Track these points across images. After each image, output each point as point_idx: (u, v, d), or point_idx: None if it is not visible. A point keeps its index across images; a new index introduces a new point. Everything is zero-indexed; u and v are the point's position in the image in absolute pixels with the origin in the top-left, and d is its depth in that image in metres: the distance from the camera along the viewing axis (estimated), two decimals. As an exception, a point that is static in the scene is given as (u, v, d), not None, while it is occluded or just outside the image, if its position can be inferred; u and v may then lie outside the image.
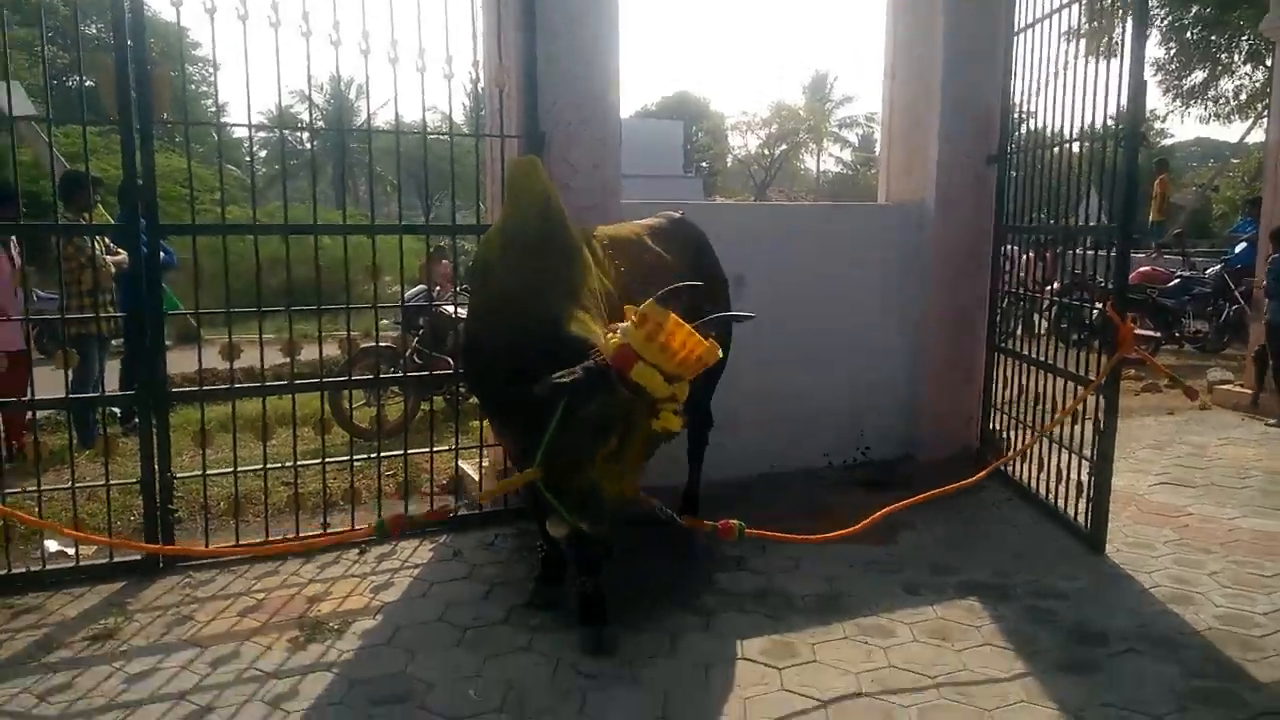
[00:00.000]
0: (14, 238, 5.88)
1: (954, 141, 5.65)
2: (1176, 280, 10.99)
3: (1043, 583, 3.98)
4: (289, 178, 6.56)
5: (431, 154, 4.75)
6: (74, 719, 2.89)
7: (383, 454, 4.68)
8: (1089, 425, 4.39)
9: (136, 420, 6.81)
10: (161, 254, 6.75)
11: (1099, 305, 5.37)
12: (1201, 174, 30.17)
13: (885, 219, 5.92)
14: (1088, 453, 4.41)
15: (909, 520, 4.69)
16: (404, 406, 6.91)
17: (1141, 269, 12.20)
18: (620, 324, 2.92)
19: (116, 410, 6.93)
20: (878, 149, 6.43)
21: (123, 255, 6.64)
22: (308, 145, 27.67)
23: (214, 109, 4.07)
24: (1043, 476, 4.84)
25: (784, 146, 47.59)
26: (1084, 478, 4.47)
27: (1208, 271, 11.23)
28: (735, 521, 3.32)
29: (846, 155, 49.59)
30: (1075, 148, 4.71)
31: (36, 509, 4.37)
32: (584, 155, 4.78)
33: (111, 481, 4.11)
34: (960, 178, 5.69)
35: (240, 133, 35.38)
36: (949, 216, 5.72)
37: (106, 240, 6.51)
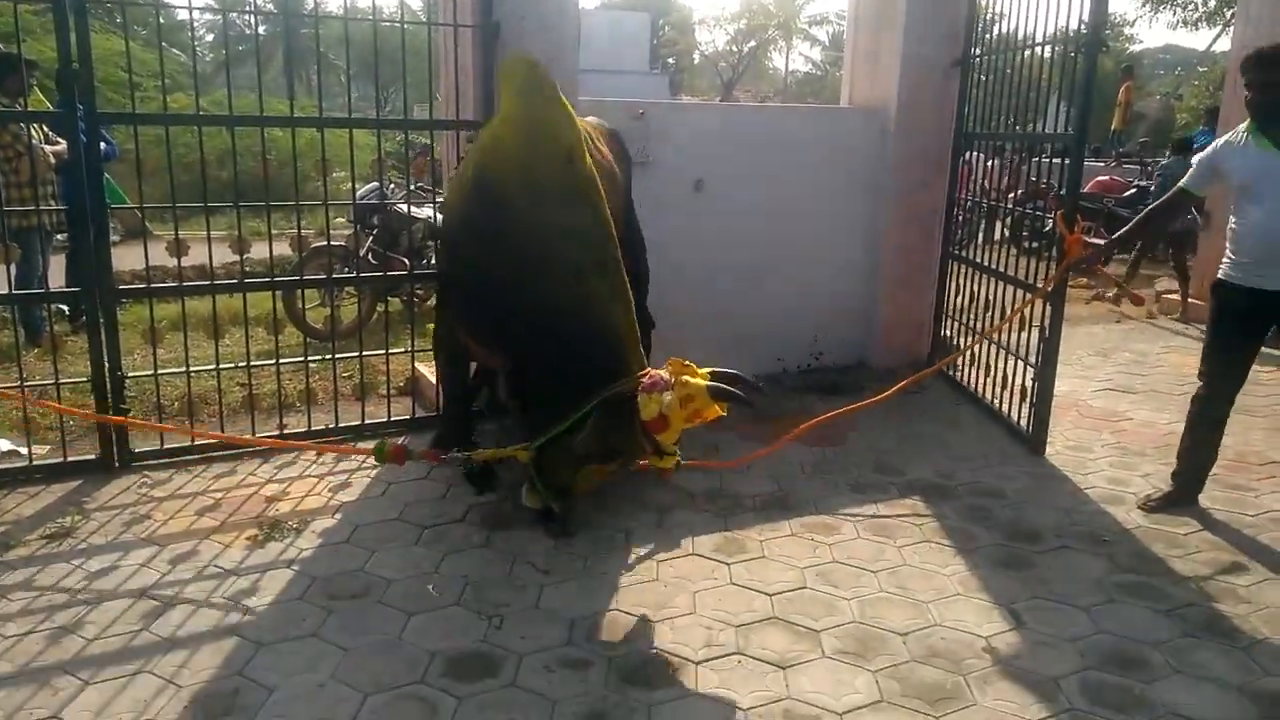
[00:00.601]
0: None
1: (920, 44, 5.58)
2: (1133, 190, 11.09)
3: (983, 483, 4.14)
4: (235, 65, 6.31)
5: (387, 43, 4.59)
6: (35, 614, 2.92)
7: (338, 355, 4.66)
8: (1036, 332, 4.48)
9: (85, 318, 6.73)
10: (103, 144, 6.58)
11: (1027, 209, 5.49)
12: (1168, 82, 30.09)
13: (847, 122, 5.87)
14: (1033, 359, 4.52)
15: (857, 423, 4.82)
16: (358, 307, 6.87)
17: (1099, 178, 12.29)
18: (663, 381, 2.97)
19: (64, 307, 6.78)
20: (844, 48, 6.30)
21: (62, 145, 6.38)
22: (254, 30, 26.55)
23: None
24: (989, 382, 4.97)
25: (753, 43, 46.51)
26: (1028, 383, 4.61)
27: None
28: (671, 458, 3.34)
29: (816, 54, 48.60)
30: (1039, 53, 4.68)
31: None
32: (538, 48, 4.63)
33: (61, 380, 4.06)
34: (924, 81, 5.64)
35: (183, 15, 33.79)
36: (912, 122, 5.69)
37: (45, 128, 6.26)
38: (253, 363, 4.37)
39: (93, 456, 4.11)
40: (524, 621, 2.94)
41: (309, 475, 4.09)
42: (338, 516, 3.68)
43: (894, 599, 3.12)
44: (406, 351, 4.83)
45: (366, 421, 4.56)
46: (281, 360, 4.48)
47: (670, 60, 43.97)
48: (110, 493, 3.84)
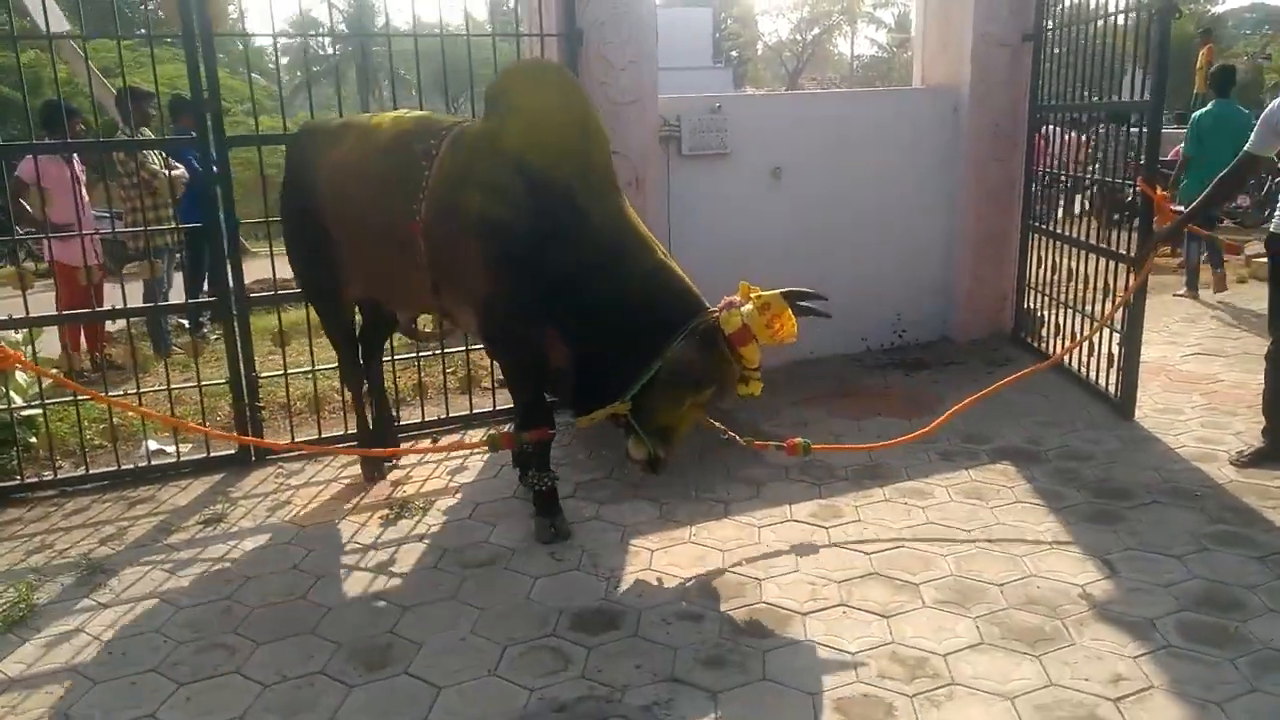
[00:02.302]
0: (75, 154, 6.13)
1: (989, 21, 5.66)
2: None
3: (1072, 446, 4.23)
4: (313, 85, 6.74)
5: (453, 56, 4.86)
6: (204, 589, 3.27)
7: (445, 351, 4.98)
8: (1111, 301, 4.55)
9: (204, 328, 7.23)
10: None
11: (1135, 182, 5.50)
12: (1254, 42, 28.98)
13: (921, 103, 5.98)
14: (1119, 326, 4.58)
15: (948, 392, 4.95)
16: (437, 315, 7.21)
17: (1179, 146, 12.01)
18: (738, 301, 3.14)
19: (184, 321, 7.29)
20: (913, 29, 6.39)
21: (180, 169, 6.90)
22: (330, 50, 27.56)
23: (234, 18, 4.22)
24: (1076, 351, 5.02)
25: (816, 30, 46.16)
26: (1115, 349, 4.67)
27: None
28: (800, 440, 3.54)
29: (881, 36, 47.95)
30: (1112, 22, 4.73)
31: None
32: (620, 51, 4.87)
33: (202, 383, 4.45)
34: (996, 57, 5.72)
35: (260, 42, 35.24)
36: (984, 98, 5.77)
37: (164, 154, 6.76)
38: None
39: (233, 451, 4.49)
40: (639, 582, 3.18)
41: (427, 461, 4.41)
42: (459, 496, 3.98)
43: (989, 554, 3.27)
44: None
45: (474, 411, 4.87)
46: (396, 357, 4.80)
47: (734, 53, 43.89)
48: (251, 483, 4.21)
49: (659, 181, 5.18)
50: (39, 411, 4.61)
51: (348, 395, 4.53)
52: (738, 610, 2.97)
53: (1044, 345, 5.57)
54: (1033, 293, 5.80)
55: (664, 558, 3.34)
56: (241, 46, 4.78)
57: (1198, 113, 7.72)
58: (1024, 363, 5.50)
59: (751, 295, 3.09)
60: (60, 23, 8.25)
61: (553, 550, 3.43)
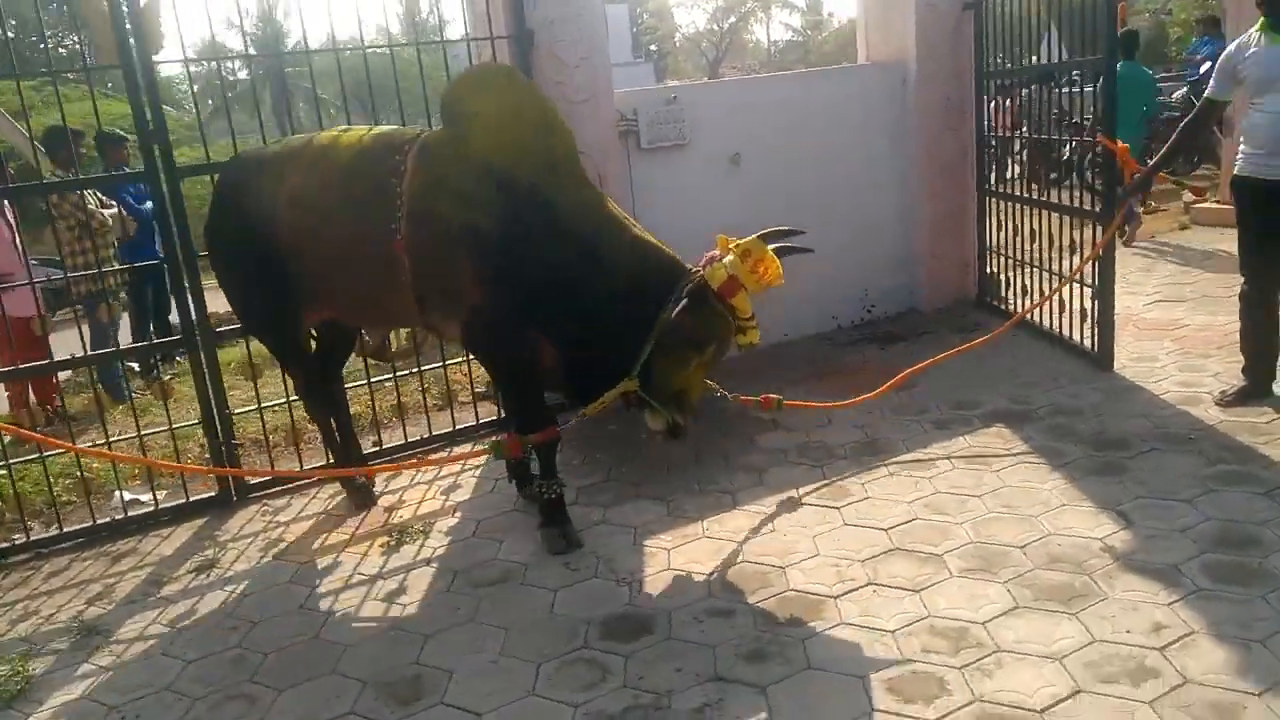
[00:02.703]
0: (5, 201, 5.86)
1: (931, -2, 5.71)
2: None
3: (1059, 403, 4.28)
4: (227, 112, 6.61)
5: (376, 71, 4.73)
6: (208, 641, 3.13)
7: (422, 369, 4.87)
8: (1078, 257, 4.63)
9: (156, 370, 6.97)
10: (148, 202, 6.80)
11: (1075, 140, 5.62)
12: (1154, -1, 29.86)
13: (869, 79, 6.00)
14: (1086, 281, 4.65)
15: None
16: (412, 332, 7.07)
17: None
18: (719, 254, 3.17)
19: (135, 365, 7.02)
20: (855, 8, 6.42)
21: (114, 208, 6.65)
22: (243, 74, 26.90)
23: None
24: (1044, 308, 5.09)
25: (732, 19, 46.47)
26: (1086, 304, 4.74)
27: (1174, 95, 11.34)
28: (774, 396, 3.67)
29: (795, 21, 48.51)
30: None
31: (109, 461, 4.58)
32: (572, 49, 4.80)
33: (174, 425, 4.27)
34: (939, 28, 5.78)
35: (169, 70, 34.23)
36: (931, 69, 5.82)
37: (98, 194, 6.50)
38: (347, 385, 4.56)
39: (213, 494, 4.33)
40: (661, 583, 3.12)
41: (418, 483, 4.29)
42: (458, 515, 3.88)
43: (1004, 517, 3.28)
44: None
45: (458, 428, 4.76)
46: (372, 380, 4.66)
47: (653, 47, 43.98)
48: (237, 524, 4.06)
49: (620, 176, 5.13)
50: (1, 472, 4.40)
51: (316, 425, 4.36)
52: (767, 601, 2.93)
53: (1010, 307, 5.64)
54: (994, 256, 5.89)
55: (681, 555, 3.29)
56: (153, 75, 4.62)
57: None
58: (992, 326, 5.56)
59: (730, 245, 3.13)
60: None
61: (566, 560, 3.36)
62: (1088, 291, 4.71)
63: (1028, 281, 5.35)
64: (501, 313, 3.28)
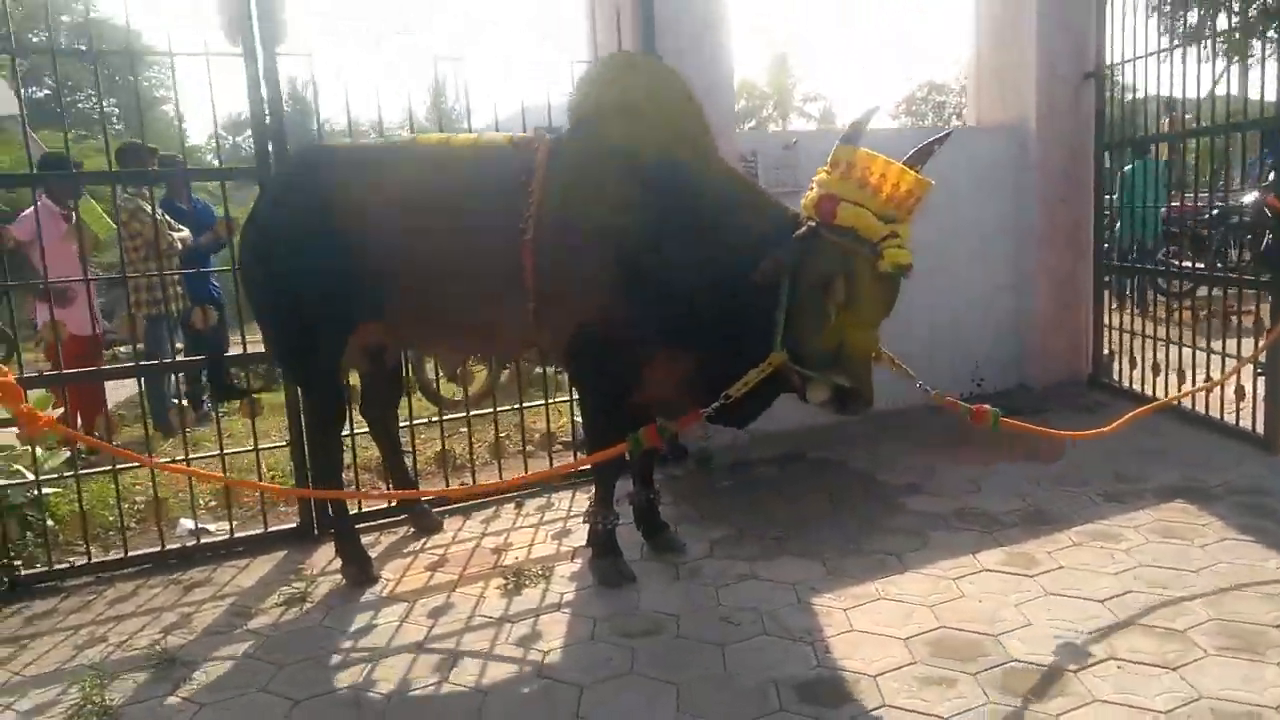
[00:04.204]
0: (68, 213, 5.58)
1: (1053, 58, 5.52)
2: (1216, 210, 10.95)
3: (1236, 482, 3.87)
4: None
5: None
6: (311, 676, 2.67)
7: (507, 409, 4.50)
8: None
9: (205, 405, 6.58)
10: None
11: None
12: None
13: (981, 142, 5.76)
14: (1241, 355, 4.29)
15: (1060, 442, 4.60)
16: (489, 368, 6.73)
17: (1173, 203, 12.17)
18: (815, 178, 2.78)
19: (183, 400, 6.64)
20: (965, 73, 6.24)
21: (185, 232, 6.37)
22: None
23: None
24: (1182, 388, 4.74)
25: (752, 123, 47.46)
26: (1242, 382, 4.38)
27: (1244, 200, 11.19)
28: (990, 408, 3.14)
29: (811, 128, 49.46)
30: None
31: (177, 485, 4.18)
32: (698, 79, 4.55)
33: (259, 447, 3.87)
34: (1060, 95, 5.56)
35: None
36: (1050, 135, 5.58)
37: (167, 217, 6.23)
38: (444, 417, 4.19)
39: (293, 525, 3.90)
40: (851, 645, 2.68)
41: (521, 527, 3.86)
42: (578, 561, 3.43)
43: (1240, 593, 2.84)
44: (566, 400, 4.67)
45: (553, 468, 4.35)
46: (468, 414, 4.28)
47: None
48: (323, 559, 3.61)
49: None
50: (54, 489, 3.98)
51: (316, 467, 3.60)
52: (990, 671, 2.48)
53: (1137, 386, 5.25)
54: (1114, 333, 5.55)
55: (863, 617, 2.84)
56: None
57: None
58: (1115, 406, 5.18)
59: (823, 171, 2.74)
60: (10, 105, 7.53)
61: (725, 615, 2.91)
62: (1244, 369, 4.34)
63: (1159, 359, 5.01)
64: (624, 323, 2.94)
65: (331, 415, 3.45)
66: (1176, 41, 4.60)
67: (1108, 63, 5.45)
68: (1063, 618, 2.76)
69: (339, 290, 3.16)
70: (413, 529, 3.85)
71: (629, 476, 3.54)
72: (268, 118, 3.67)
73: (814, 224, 2.69)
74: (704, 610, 2.95)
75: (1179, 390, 4.84)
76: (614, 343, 2.96)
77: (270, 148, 3.72)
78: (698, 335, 2.90)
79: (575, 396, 4.29)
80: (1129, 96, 5.37)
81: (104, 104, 4.39)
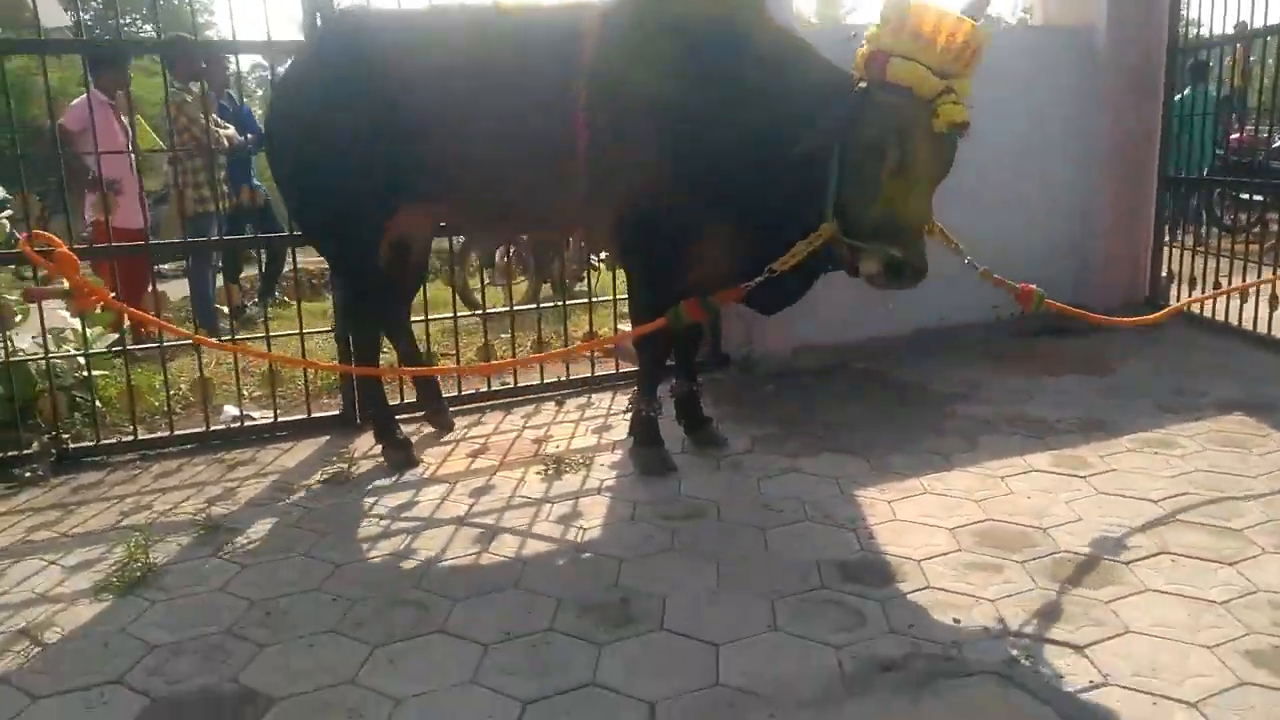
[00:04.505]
0: (114, 103, 5.57)
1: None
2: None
3: (1301, 398, 3.73)
4: None
5: None
6: (354, 543, 2.69)
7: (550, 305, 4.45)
8: None
9: (245, 309, 6.62)
10: (249, 134, 6.49)
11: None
12: None
13: (1047, 42, 5.50)
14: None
15: (1118, 355, 4.49)
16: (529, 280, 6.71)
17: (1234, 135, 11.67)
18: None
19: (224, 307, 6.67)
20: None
21: (230, 130, 6.34)
22: None
23: None
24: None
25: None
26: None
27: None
28: (1035, 287, 2.96)
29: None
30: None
31: (232, 376, 4.21)
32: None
33: (304, 330, 3.86)
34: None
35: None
36: (1120, 38, 5.30)
37: (214, 115, 6.20)
38: (489, 310, 4.16)
39: (335, 413, 3.92)
40: (895, 532, 2.63)
41: (563, 422, 3.84)
42: (618, 452, 3.41)
43: (1302, 499, 2.74)
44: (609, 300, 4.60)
45: (596, 374, 4.33)
46: (516, 308, 4.25)
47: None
48: (365, 444, 3.62)
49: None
50: (102, 372, 4.04)
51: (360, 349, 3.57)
52: (1039, 560, 2.42)
53: (1201, 308, 5.07)
54: (1176, 252, 5.37)
55: (908, 508, 2.79)
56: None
57: None
58: (1176, 332, 5.03)
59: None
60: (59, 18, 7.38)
61: (767, 503, 2.88)
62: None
63: (1220, 279, 4.84)
64: (674, 194, 2.84)
65: (370, 304, 3.41)
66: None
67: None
68: (1114, 514, 2.68)
69: (380, 167, 3.06)
70: (430, 426, 3.78)
71: (670, 380, 3.48)
72: (316, -11, 3.57)
73: (864, 84, 2.56)
74: (745, 497, 2.92)
75: (1239, 310, 4.70)
76: (663, 217, 2.88)
77: (319, 20, 3.63)
78: (748, 208, 2.81)
79: (619, 294, 4.25)
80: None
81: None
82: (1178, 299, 5.25)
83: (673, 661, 2.00)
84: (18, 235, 3.59)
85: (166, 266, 8.88)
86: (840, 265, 2.80)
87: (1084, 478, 2.98)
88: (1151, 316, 3.27)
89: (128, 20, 23.76)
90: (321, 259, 4.71)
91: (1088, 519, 2.66)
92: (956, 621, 2.12)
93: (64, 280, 2.63)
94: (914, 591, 2.27)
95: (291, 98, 3.20)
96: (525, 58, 2.97)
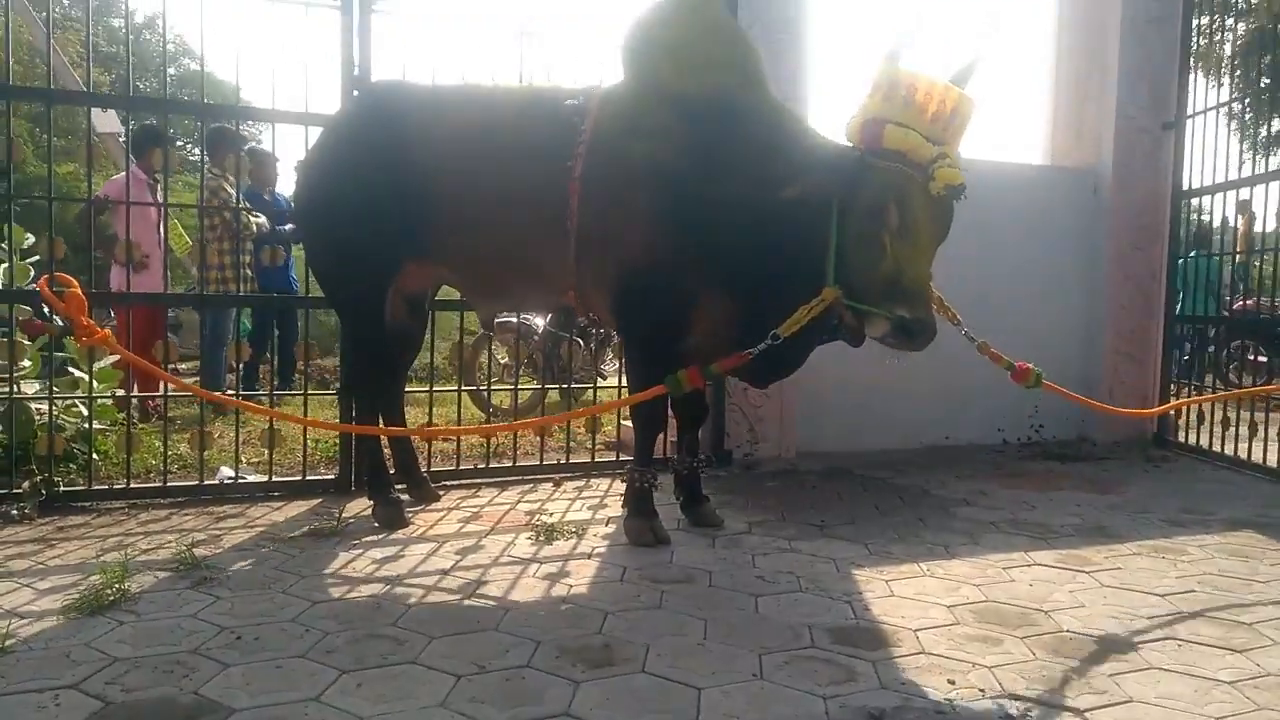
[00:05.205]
0: (155, 183, 5.79)
1: (1131, 105, 5.48)
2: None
3: (1313, 523, 3.65)
4: None
5: None
6: (335, 586, 2.61)
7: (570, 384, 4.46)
8: None
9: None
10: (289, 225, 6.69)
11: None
12: None
13: (1055, 182, 5.70)
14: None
15: (1122, 479, 4.44)
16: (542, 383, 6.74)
17: (1248, 301, 11.86)
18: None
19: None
20: (1048, 112, 6.17)
21: (262, 219, 6.54)
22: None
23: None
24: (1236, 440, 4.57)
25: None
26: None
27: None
28: (1032, 366, 2.94)
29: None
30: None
31: (231, 440, 4.21)
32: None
33: (310, 393, 3.88)
34: (1138, 143, 5.50)
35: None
36: (1126, 181, 5.51)
37: (245, 201, 6.41)
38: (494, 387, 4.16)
39: (331, 476, 3.89)
40: (892, 606, 2.54)
41: (558, 499, 3.79)
42: (611, 526, 3.35)
43: (1314, 602, 2.65)
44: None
45: (595, 460, 4.30)
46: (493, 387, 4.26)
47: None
48: (357, 506, 3.57)
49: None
50: (104, 424, 4.05)
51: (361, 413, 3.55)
52: (1038, 637, 2.33)
53: (1210, 442, 5.03)
54: (1182, 389, 5.38)
55: (907, 587, 2.71)
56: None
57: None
58: (1181, 463, 4.99)
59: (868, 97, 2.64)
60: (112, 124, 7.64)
61: (761, 575, 2.80)
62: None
63: (1229, 414, 4.83)
64: (669, 263, 2.88)
65: (374, 356, 3.43)
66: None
67: (1189, 112, 5.40)
68: (1121, 605, 2.59)
69: (388, 223, 3.17)
70: (410, 499, 3.67)
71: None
72: (356, 69, 3.77)
73: (846, 150, 2.65)
74: (739, 569, 2.85)
75: (1249, 447, 4.66)
76: (658, 284, 2.91)
77: (355, 94, 3.81)
78: (746, 276, 2.85)
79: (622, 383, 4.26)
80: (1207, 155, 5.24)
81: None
82: (1186, 438, 5.23)
83: (652, 700, 1.91)
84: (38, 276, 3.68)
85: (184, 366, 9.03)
86: (839, 334, 2.82)
87: (1089, 573, 2.89)
88: (1156, 409, 3.25)
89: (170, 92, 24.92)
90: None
91: (1091, 606, 2.57)
92: (951, 683, 2.03)
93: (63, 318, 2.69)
94: (908, 655, 2.18)
95: (321, 153, 3.34)
96: (528, 129, 3.11)
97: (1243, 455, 4.69)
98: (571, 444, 4.47)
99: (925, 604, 2.55)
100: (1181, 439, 5.31)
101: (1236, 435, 4.76)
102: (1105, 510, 3.77)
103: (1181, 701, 1.95)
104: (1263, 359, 9.81)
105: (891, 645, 2.24)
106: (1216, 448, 4.91)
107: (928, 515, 3.61)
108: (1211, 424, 4.99)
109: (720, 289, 2.91)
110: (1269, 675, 2.11)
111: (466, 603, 2.49)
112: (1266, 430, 4.55)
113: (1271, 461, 4.50)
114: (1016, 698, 1.95)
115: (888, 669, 2.09)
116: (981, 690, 1.99)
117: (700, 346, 2.97)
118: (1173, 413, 5.48)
